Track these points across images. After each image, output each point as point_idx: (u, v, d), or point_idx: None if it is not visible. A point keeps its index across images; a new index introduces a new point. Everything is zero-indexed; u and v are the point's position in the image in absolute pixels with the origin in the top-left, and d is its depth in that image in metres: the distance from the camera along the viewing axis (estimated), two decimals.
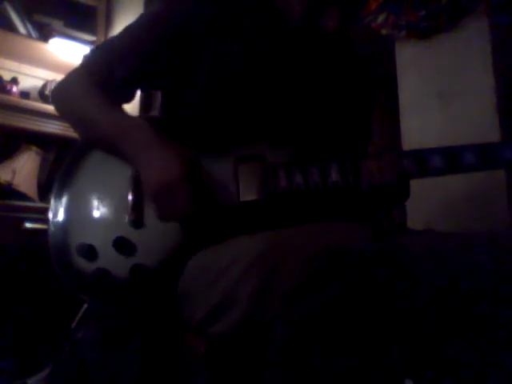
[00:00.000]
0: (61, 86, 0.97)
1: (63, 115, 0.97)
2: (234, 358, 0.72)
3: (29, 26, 2.27)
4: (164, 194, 0.77)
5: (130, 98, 0.98)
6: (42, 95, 2.35)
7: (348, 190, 0.80)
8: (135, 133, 0.84)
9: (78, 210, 0.87)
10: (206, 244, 0.79)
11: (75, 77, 0.95)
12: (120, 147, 0.84)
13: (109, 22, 2.54)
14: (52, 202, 0.88)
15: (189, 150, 0.82)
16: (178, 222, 0.81)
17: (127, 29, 0.95)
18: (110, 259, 0.81)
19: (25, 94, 2.31)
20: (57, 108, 0.97)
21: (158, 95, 1.04)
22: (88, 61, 0.96)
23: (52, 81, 2.37)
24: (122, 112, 0.90)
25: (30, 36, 2.26)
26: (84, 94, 0.91)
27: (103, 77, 0.91)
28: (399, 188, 0.81)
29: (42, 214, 1.85)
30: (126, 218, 0.83)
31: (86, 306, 1.05)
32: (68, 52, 2.32)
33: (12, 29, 2.22)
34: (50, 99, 1.04)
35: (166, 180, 0.77)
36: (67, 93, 0.95)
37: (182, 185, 0.77)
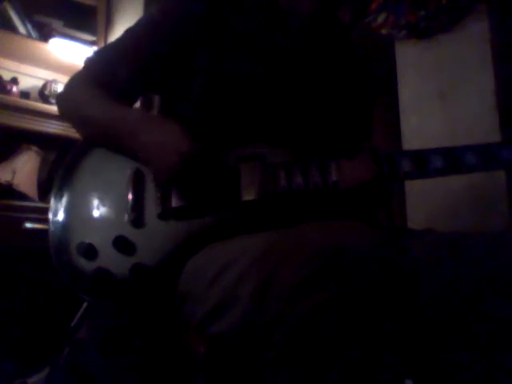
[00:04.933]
0: (63, 89, 0.99)
1: (65, 116, 0.98)
2: (234, 357, 0.72)
3: (29, 26, 2.27)
4: (193, 157, 0.78)
5: (131, 101, 0.98)
6: (42, 95, 2.35)
7: (328, 191, 0.80)
8: (135, 116, 0.85)
9: (78, 209, 0.87)
10: (206, 243, 0.79)
11: (77, 79, 0.96)
12: (120, 135, 0.84)
13: (109, 22, 2.54)
14: (52, 201, 0.88)
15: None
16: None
17: (128, 31, 0.95)
18: (110, 258, 0.81)
19: (25, 94, 2.31)
20: (59, 110, 0.99)
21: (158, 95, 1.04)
22: (89, 63, 0.97)
23: (52, 81, 2.37)
24: (120, 104, 0.91)
25: (30, 36, 2.26)
26: (84, 93, 0.92)
27: (104, 79, 0.92)
28: (375, 188, 0.81)
29: (42, 214, 1.85)
30: (126, 218, 0.83)
31: (85, 305, 1.05)
32: (68, 52, 2.32)
33: (12, 29, 2.22)
34: (55, 103, 1.05)
35: (181, 154, 0.78)
36: (69, 95, 0.97)
37: (197, 158, 0.78)
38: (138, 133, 0.82)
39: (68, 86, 0.97)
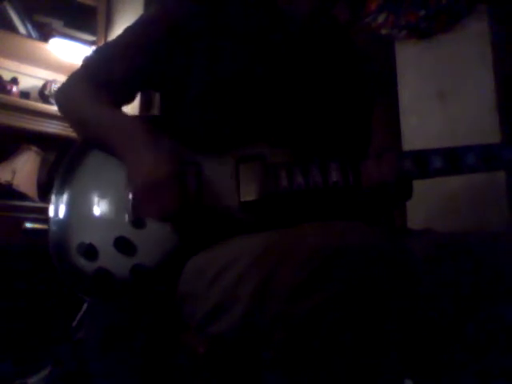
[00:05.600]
0: (62, 87, 0.99)
1: (64, 115, 0.98)
2: (233, 358, 0.72)
3: (29, 26, 2.27)
4: (149, 192, 0.78)
5: (129, 99, 0.98)
6: (42, 95, 2.35)
7: (348, 189, 0.80)
8: (125, 130, 0.85)
9: (78, 210, 0.87)
10: (207, 244, 0.79)
11: (75, 78, 0.97)
12: (110, 144, 0.85)
13: (109, 22, 2.54)
14: (53, 200, 0.88)
15: (179, 149, 0.82)
16: (162, 221, 0.81)
17: (127, 30, 0.96)
18: (110, 259, 0.81)
19: (25, 94, 2.31)
20: (59, 109, 0.99)
21: (158, 94, 1.05)
22: (88, 62, 0.97)
23: (52, 81, 2.37)
24: (115, 110, 0.91)
25: (30, 36, 2.26)
26: (80, 93, 0.93)
27: (102, 77, 0.92)
28: (399, 188, 0.81)
29: (42, 214, 1.84)
30: (127, 218, 0.83)
31: (85, 305, 1.05)
32: (68, 52, 2.32)
33: (12, 29, 2.22)
34: (54, 101, 1.06)
35: (152, 179, 0.77)
36: (66, 93, 0.97)
37: (167, 185, 0.77)
38: (126, 145, 0.83)
39: (66, 85, 0.97)
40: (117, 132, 0.85)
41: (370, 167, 0.79)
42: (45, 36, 2.29)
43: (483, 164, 0.78)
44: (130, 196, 0.83)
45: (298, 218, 0.69)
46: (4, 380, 1.58)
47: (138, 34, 0.94)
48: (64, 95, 0.98)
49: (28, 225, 1.84)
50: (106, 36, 2.52)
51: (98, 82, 0.91)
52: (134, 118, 0.94)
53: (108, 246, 0.81)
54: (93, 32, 2.50)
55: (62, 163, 0.92)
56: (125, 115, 0.92)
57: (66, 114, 0.97)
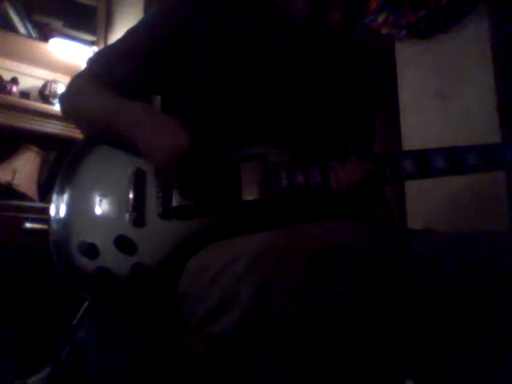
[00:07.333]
0: (66, 89, 1.00)
1: (68, 115, 0.98)
2: (233, 357, 0.72)
3: (29, 26, 2.27)
4: (184, 158, 0.77)
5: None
6: (42, 95, 2.35)
7: (316, 193, 0.80)
8: (136, 112, 0.84)
9: (79, 209, 0.87)
10: (207, 243, 0.79)
11: (78, 78, 0.97)
12: (121, 129, 0.84)
13: (109, 22, 2.55)
14: (53, 199, 0.88)
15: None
16: (199, 188, 0.81)
17: (128, 32, 0.96)
18: (111, 258, 0.81)
19: (25, 94, 2.31)
20: (62, 110, 1.00)
21: (158, 96, 1.05)
22: (91, 63, 0.97)
23: (52, 81, 2.38)
24: (121, 97, 0.90)
25: (30, 36, 2.26)
26: (85, 90, 0.93)
27: (104, 78, 0.92)
28: (368, 190, 0.81)
29: (42, 214, 1.85)
30: (127, 217, 0.83)
31: (86, 304, 1.05)
32: (68, 52, 2.32)
33: (12, 29, 2.22)
34: (59, 104, 1.06)
35: (183, 145, 0.76)
36: (71, 94, 0.98)
37: (194, 151, 0.77)
38: (138, 126, 0.82)
39: (70, 86, 0.98)
40: (128, 115, 0.84)
41: (338, 171, 0.79)
42: (45, 36, 2.29)
43: (484, 164, 0.78)
44: (160, 169, 0.81)
45: (299, 218, 0.69)
46: (4, 380, 1.58)
47: (139, 37, 0.95)
48: (68, 96, 0.98)
49: (28, 225, 1.85)
50: (106, 36, 2.52)
51: (100, 82, 0.92)
52: (142, 102, 0.93)
53: (109, 244, 0.81)
54: (93, 32, 2.50)
55: (64, 162, 0.92)
56: (133, 100, 0.92)
57: (70, 113, 0.97)
